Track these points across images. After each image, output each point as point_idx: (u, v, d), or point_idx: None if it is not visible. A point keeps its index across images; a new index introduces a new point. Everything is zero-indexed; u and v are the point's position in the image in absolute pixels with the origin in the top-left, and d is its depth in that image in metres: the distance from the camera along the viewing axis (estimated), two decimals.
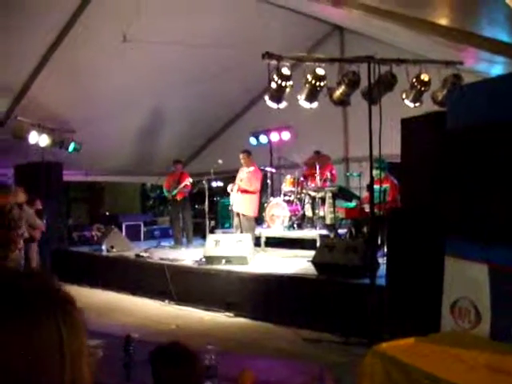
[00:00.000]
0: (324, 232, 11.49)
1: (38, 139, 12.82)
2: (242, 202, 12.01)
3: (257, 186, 12.05)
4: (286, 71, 8.18)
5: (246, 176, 12.05)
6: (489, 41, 7.52)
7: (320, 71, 8.30)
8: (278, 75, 8.15)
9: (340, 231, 11.65)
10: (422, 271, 6.20)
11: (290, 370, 4.07)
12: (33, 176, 12.86)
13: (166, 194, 13.76)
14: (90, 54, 11.74)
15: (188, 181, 13.22)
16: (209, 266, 10.13)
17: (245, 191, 11.94)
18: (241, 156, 12.19)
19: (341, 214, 11.76)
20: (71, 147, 13.66)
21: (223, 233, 13.17)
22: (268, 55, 7.78)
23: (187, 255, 11.48)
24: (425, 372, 3.85)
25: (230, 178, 12.75)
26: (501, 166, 4.78)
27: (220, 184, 13.61)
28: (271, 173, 14.08)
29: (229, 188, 12.33)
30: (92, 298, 10.83)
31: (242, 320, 8.98)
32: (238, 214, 12.09)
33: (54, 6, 10.35)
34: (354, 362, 5.47)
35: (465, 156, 5.21)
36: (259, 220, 13.28)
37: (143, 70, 12.96)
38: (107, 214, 18.13)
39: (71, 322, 1.05)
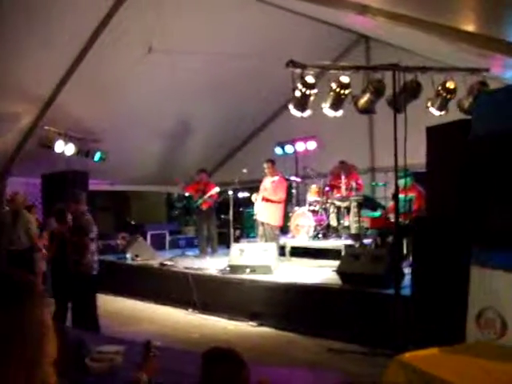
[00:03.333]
0: (349, 242, 11.41)
1: (65, 148, 12.95)
2: (266, 211, 11.97)
3: (281, 195, 12.00)
4: (310, 79, 8.14)
5: (271, 185, 12.02)
6: None
7: (344, 79, 8.26)
8: (302, 83, 8.12)
9: (365, 241, 11.56)
10: (448, 281, 6.12)
11: (310, 379, 4.02)
12: (59, 185, 12.94)
13: (191, 203, 13.74)
14: (116, 64, 11.85)
15: (214, 190, 13.22)
16: (233, 275, 10.09)
17: (269, 200, 11.89)
18: (265, 165, 12.16)
19: (366, 224, 11.67)
20: (97, 156, 13.77)
21: (248, 242, 13.14)
22: (292, 63, 7.76)
23: (212, 264, 11.47)
24: (448, 383, 3.77)
25: (256, 187, 12.71)
26: None
27: (246, 194, 13.60)
28: (296, 182, 14.03)
29: (253, 197, 12.29)
30: (116, 305, 10.87)
31: (265, 329, 8.94)
32: (262, 224, 12.04)
33: (81, 17, 10.44)
34: (378, 373, 5.40)
35: (490, 163, 5.12)
36: (284, 229, 13.24)
37: (168, 80, 13.00)
38: (133, 223, 18.17)
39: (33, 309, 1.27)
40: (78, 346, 4.12)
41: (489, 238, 5.15)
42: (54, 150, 12.81)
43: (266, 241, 11.66)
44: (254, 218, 12.53)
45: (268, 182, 12.15)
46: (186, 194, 15.54)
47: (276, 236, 11.97)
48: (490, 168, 5.18)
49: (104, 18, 10.66)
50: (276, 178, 12.10)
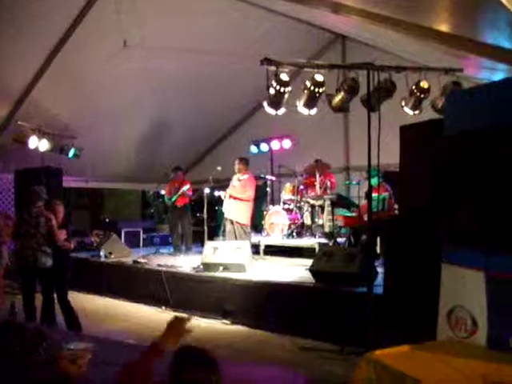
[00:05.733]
0: (323, 240, 11.43)
1: (38, 144, 12.78)
2: (234, 209, 11.96)
3: (250, 193, 11.97)
4: (284, 77, 8.12)
5: (240, 183, 12.02)
6: (490, 48, 7.47)
7: (319, 77, 8.26)
8: (276, 81, 8.10)
9: (339, 240, 11.59)
10: (419, 279, 6.14)
11: (282, 377, 4.00)
12: (32, 181, 12.80)
13: (166, 201, 13.71)
14: (91, 59, 11.76)
15: (186, 187, 13.16)
16: (206, 273, 10.07)
17: (237, 198, 11.90)
18: (236, 162, 12.14)
19: (340, 222, 11.71)
20: (71, 153, 13.61)
21: (222, 240, 13.11)
22: (267, 61, 7.74)
23: (185, 262, 11.43)
24: (419, 381, 3.78)
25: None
26: (500, 171, 4.71)
27: (221, 192, 13.56)
28: (271, 181, 14.01)
29: (222, 194, 12.26)
30: (89, 303, 10.79)
31: (238, 327, 8.93)
32: (231, 222, 12.04)
33: (56, 11, 10.36)
34: (350, 371, 5.40)
35: (462, 162, 5.14)
36: (258, 228, 13.24)
37: (144, 77, 12.94)
38: (107, 220, 18.07)
39: None
40: (34, 336, 4.08)
41: (459, 236, 5.17)
42: (27, 145, 12.66)
43: (236, 239, 11.65)
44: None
45: (236, 180, 12.15)
46: (162, 192, 15.50)
47: (247, 234, 11.97)
48: (460, 167, 5.20)
49: (80, 12, 10.59)
50: (245, 176, 12.09)
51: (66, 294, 8.24)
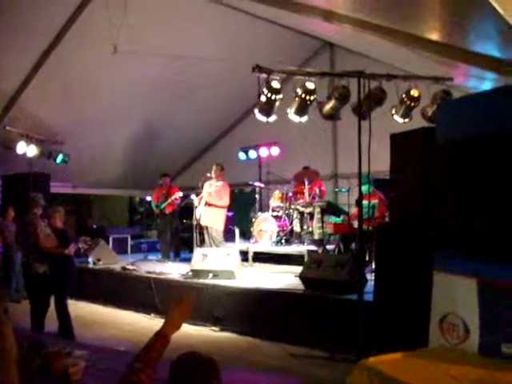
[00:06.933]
0: (312, 247, 11.44)
1: (26, 149, 12.72)
2: (210, 216, 12.05)
3: (226, 200, 12.11)
4: (275, 84, 8.16)
5: (215, 190, 12.07)
6: (479, 56, 7.54)
7: (310, 85, 8.29)
8: (267, 88, 8.13)
9: (328, 247, 11.60)
10: (411, 286, 6.17)
11: (273, 383, 4.01)
12: (20, 187, 12.77)
13: (153, 208, 13.66)
14: (81, 65, 11.73)
15: (178, 195, 13.15)
16: (195, 280, 10.04)
17: (213, 205, 11.98)
18: (214, 168, 12.20)
19: (329, 230, 11.71)
20: (59, 158, 13.55)
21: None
22: (258, 68, 7.76)
23: (174, 269, 11.40)
24: None
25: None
26: (490, 180, 4.75)
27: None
28: (260, 188, 14.01)
29: (196, 201, 12.28)
30: (77, 310, 10.68)
31: (228, 334, 8.91)
32: (206, 228, 12.10)
33: (45, 16, 10.33)
34: (340, 378, 5.41)
35: (453, 170, 5.18)
36: (247, 235, 13.24)
37: (134, 82, 12.93)
38: (94, 226, 18.00)
39: None
40: (33, 347, 4.06)
41: (451, 243, 5.20)
42: (15, 151, 12.60)
43: (216, 246, 11.72)
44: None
45: (212, 187, 12.19)
46: (148, 199, 15.43)
47: (222, 240, 12.11)
48: (451, 175, 5.24)
49: (70, 18, 10.57)
50: (220, 182, 12.16)
51: (61, 301, 8.15)
